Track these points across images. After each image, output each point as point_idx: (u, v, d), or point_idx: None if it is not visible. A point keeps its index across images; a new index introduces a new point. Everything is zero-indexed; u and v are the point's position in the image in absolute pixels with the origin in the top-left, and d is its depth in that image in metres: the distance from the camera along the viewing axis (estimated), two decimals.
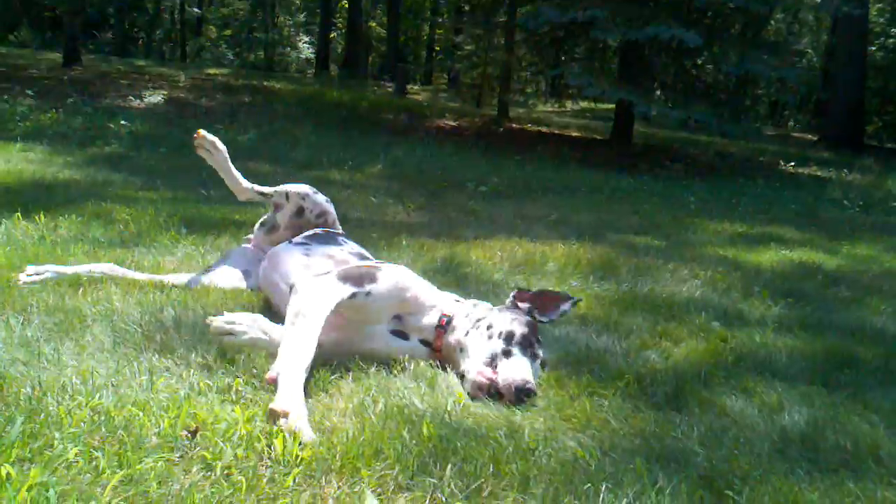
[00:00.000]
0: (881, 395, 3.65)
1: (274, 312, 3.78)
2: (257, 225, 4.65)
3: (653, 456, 2.80)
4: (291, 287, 3.38)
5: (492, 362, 3.21)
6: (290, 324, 3.14)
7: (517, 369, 3.15)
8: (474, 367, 3.21)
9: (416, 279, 3.66)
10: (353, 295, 3.33)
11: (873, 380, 3.89)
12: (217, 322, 3.30)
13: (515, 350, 3.24)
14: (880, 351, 4.36)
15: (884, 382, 3.87)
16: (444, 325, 3.48)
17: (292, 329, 3.11)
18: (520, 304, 3.58)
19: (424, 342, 3.50)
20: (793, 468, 2.82)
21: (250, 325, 3.32)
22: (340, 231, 4.52)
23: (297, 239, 4.15)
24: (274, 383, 2.89)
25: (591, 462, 2.69)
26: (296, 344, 3.03)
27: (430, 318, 3.52)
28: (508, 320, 3.36)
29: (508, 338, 3.28)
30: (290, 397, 2.75)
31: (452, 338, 3.42)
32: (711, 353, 4.03)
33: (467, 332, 3.38)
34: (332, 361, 3.31)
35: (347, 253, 4.00)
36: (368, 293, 3.37)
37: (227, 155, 4.53)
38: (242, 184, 4.55)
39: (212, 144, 4.45)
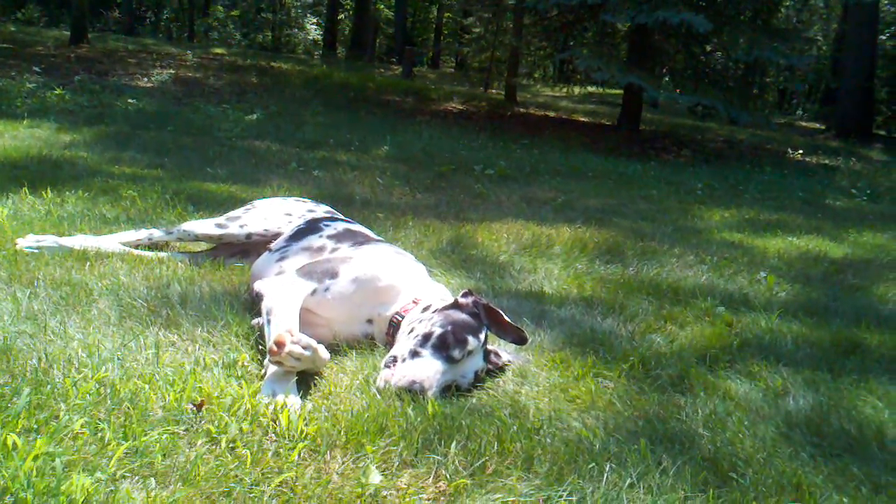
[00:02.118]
0: (887, 381, 3.65)
1: None
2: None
3: (657, 437, 2.81)
4: (256, 294, 3.37)
5: (394, 361, 3.04)
6: (266, 323, 3.08)
7: (410, 369, 2.95)
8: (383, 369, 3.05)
9: (393, 268, 3.55)
10: (314, 291, 3.30)
11: (878, 366, 3.89)
12: (269, 297, 3.17)
13: (426, 351, 3.05)
14: (886, 338, 4.35)
15: (889, 369, 3.86)
16: (396, 323, 3.36)
17: (272, 320, 3.05)
18: (461, 302, 3.31)
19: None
20: (797, 452, 2.83)
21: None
22: (331, 215, 4.40)
23: (278, 243, 4.02)
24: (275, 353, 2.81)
25: (595, 442, 2.69)
26: (284, 321, 3.01)
27: (391, 313, 3.41)
28: (430, 324, 3.17)
29: (425, 339, 3.09)
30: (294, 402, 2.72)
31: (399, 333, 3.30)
32: (716, 338, 4.03)
33: (404, 331, 3.26)
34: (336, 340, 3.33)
35: (326, 238, 3.87)
36: (327, 289, 3.33)
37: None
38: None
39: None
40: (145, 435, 2.34)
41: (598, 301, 4.51)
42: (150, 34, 40.88)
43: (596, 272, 5.23)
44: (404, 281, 3.50)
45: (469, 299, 3.31)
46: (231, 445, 2.37)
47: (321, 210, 4.48)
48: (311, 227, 4.06)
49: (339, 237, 3.91)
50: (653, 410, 3.03)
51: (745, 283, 5.40)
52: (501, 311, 3.34)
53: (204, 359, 2.96)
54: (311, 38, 46.74)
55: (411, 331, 3.19)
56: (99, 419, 2.40)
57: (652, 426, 2.90)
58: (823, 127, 27.35)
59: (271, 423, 2.52)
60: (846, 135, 22.77)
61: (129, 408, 2.48)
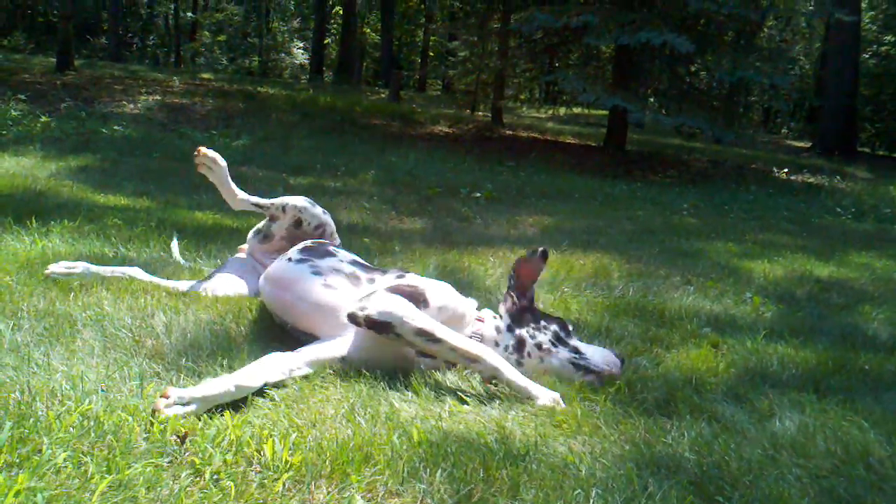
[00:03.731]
0: (872, 401, 3.66)
1: (278, 325, 3.77)
2: (251, 233, 4.61)
3: (643, 462, 2.80)
4: (364, 319, 3.29)
5: (582, 368, 3.53)
6: (430, 342, 3.27)
7: (601, 357, 3.60)
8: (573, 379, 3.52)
9: (454, 295, 3.68)
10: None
11: (864, 386, 3.90)
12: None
13: (573, 342, 3.66)
14: (871, 357, 4.37)
15: (875, 388, 3.88)
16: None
17: (447, 338, 3.27)
18: (516, 292, 3.83)
19: None
20: (783, 474, 2.82)
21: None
22: (337, 241, 4.45)
23: (294, 255, 3.92)
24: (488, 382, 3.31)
25: (582, 468, 2.69)
26: (467, 344, 3.31)
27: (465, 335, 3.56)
28: (542, 329, 3.66)
29: (559, 340, 3.64)
30: (543, 391, 3.24)
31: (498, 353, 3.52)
32: (702, 359, 4.04)
33: (520, 362, 3.56)
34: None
35: (348, 264, 3.84)
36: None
37: (227, 169, 4.50)
38: (238, 196, 4.49)
39: (213, 161, 4.46)
40: (129, 468, 2.32)
41: (584, 324, 4.51)
42: (136, 60, 40.99)
43: (582, 295, 5.24)
44: (467, 307, 3.70)
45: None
46: (215, 477, 2.35)
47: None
48: (323, 249, 4.00)
49: (357, 265, 3.86)
50: (639, 434, 3.03)
51: (731, 304, 5.42)
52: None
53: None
54: (297, 62, 46.93)
55: (539, 346, 3.60)
56: (82, 452, 2.38)
57: (638, 450, 2.90)
58: (808, 145, 27.56)
59: (255, 453, 2.50)
60: (830, 153, 22.98)
61: (112, 440, 2.46)
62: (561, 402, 3.22)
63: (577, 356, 3.57)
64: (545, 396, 3.22)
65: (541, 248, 3.90)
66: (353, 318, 3.32)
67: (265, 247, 4.46)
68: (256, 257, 4.49)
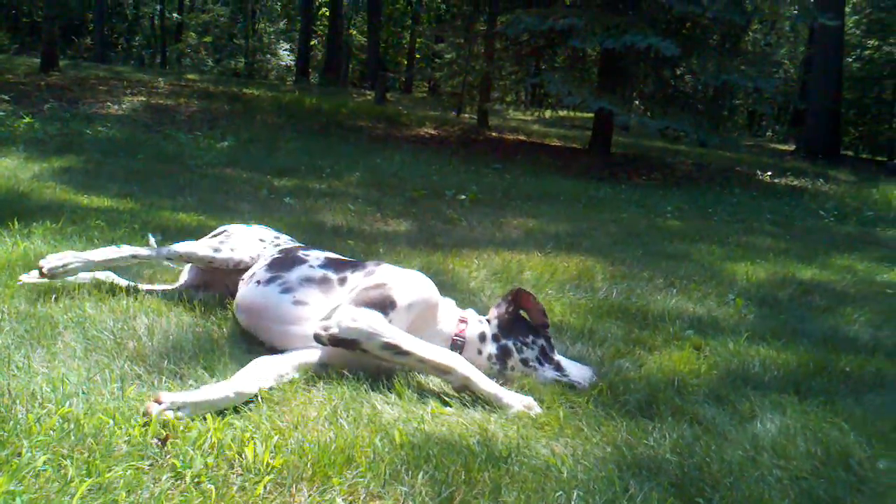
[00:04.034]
0: (853, 403, 3.68)
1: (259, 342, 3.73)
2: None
3: (625, 463, 2.82)
4: (335, 339, 3.26)
5: (561, 376, 3.57)
6: (399, 355, 3.23)
7: (578, 371, 3.63)
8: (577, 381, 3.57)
9: (425, 288, 3.64)
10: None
11: (845, 387, 3.93)
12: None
13: (556, 356, 3.68)
14: (852, 359, 4.39)
15: (855, 390, 3.91)
16: (460, 344, 3.61)
17: (414, 350, 3.23)
18: (511, 309, 3.78)
19: None
20: (764, 475, 2.84)
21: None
22: (297, 244, 4.39)
23: (262, 275, 3.81)
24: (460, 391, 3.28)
25: (564, 469, 2.70)
26: (437, 355, 3.27)
27: (440, 338, 3.59)
28: (529, 343, 3.67)
29: (545, 356, 3.66)
30: (515, 398, 3.23)
31: (484, 364, 3.60)
32: (685, 362, 4.05)
33: (503, 373, 3.60)
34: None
35: (319, 268, 3.78)
36: (391, 320, 3.37)
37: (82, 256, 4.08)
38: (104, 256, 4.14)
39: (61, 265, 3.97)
40: (109, 471, 2.31)
41: (568, 326, 4.53)
42: (122, 61, 40.83)
43: (566, 297, 5.25)
44: (440, 299, 3.72)
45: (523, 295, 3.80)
46: (196, 480, 2.35)
47: (284, 237, 4.46)
48: (292, 257, 3.92)
49: (328, 265, 3.83)
50: (621, 436, 3.05)
51: (714, 306, 5.44)
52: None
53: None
54: (284, 63, 46.85)
55: (525, 362, 3.62)
56: (62, 455, 2.38)
57: (620, 452, 2.91)
58: (792, 148, 27.71)
59: (237, 456, 2.50)
60: (814, 156, 23.09)
61: (92, 443, 2.46)
62: (535, 406, 3.22)
63: (560, 374, 3.58)
64: (518, 403, 3.21)
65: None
66: (318, 338, 3.31)
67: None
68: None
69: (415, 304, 3.50)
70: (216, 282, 4.33)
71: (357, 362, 3.37)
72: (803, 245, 8.94)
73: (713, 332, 4.76)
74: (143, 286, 4.34)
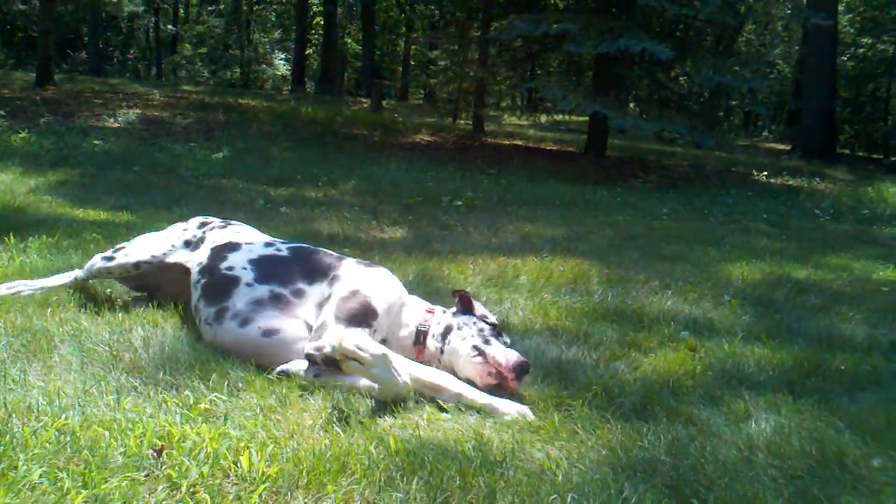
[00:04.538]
0: (847, 401, 3.70)
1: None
2: None
3: (620, 466, 2.83)
4: (323, 360, 3.32)
5: (478, 353, 3.53)
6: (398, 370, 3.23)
7: (504, 351, 3.55)
8: (469, 363, 3.54)
9: (393, 287, 3.79)
10: (371, 333, 3.48)
11: (839, 386, 3.94)
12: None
13: (492, 338, 3.64)
14: (847, 357, 4.41)
15: (850, 388, 3.92)
16: (422, 342, 3.72)
17: (411, 370, 3.31)
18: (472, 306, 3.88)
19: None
20: (758, 475, 2.85)
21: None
22: (202, 229, 4.29)
23: (207, 312, 3.69)
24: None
25: (559, 473, 2.71)
26: (429, 375, 3.35)
27: (408, 331, 3.74)
28: (473, 324, 3.70)
29: (480, 332, 3.66)
30: (509, 405, 3.24)
31: (433, 347, 3.69)
32: (680, 363, 4.07)
33: (442, 350, 3.66)
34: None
35: (258, 284, 3.68)
36: (375, 330, 3.52)
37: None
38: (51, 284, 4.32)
39: None
40: (105, 483, 2.33)
41: (563, 330, 4.54)
42: (117, 74, 40.88)
43: (561, 301, 5.26)
44: (407, 296, 3.87)
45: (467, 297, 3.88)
46: (192, 490, 2.36)
47: (192, 225, 4.37)
48: (217, 278, 3.77)
49: (266, 278, 3.73)
50: (616, 439, 3.06)
51: (710, 307, 5.45)
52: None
53: (166, 402, 2.95)
54: (279, 73, 46.89)
55: (459, 328, 3.66)
56: (58, 468, 2.39)
57: (615, 455, 2.92)
58: (788, 148, 27.74)
59: (232, 465, 2.51)
60: (810, 155, 23.12)
61: (88, 455, 2.47)
62: (528, 413, 3.22)
63: (484, 344, 3.58)
64: (512, 410, 3.22)
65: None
66: (311, 358, 3.35)
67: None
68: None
69: (392, 306, 3.68)
70: (155, 286, 4.32)
71: None
72: (799, 244, 8.95)
73: (708, 333, 4.78)
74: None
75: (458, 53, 21.94)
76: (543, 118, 27.06)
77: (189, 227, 4.34)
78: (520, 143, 21.80)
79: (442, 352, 3.65)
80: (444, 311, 3.85)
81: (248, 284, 3.70)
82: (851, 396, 3.79)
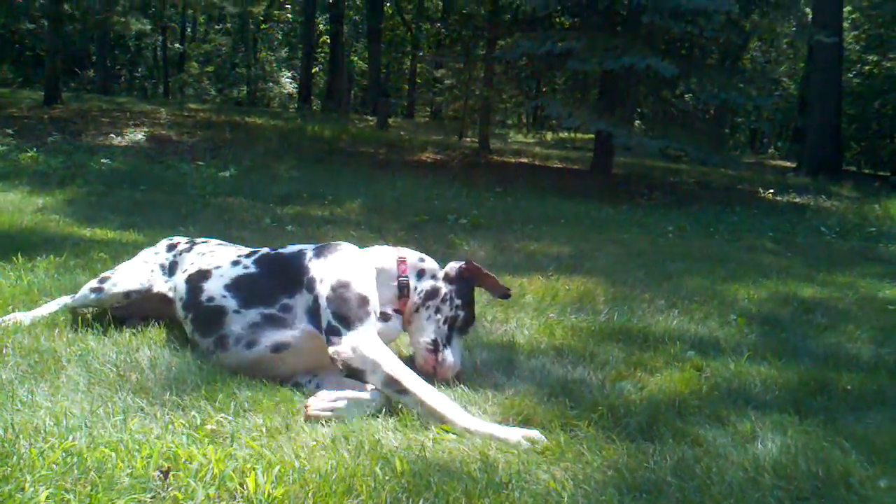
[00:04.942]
0: (853, 421, 3.69)
1: None
2: None
3: (626, 487, 2.82)
4: (343, 365, 3.42)
5: (435, 348, 3.77)
6: (399, 394, 3.31)
7: (453, 360, 3.77)
8: (421, 350, 3.81)
9: (365, 260, 3.92)
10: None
11: (846, 406, 3.93)
12: (315, 410, 3.20)
13: (455, 336, 3.84)
14: (853, 377, 4.39)
15: (856, 408, 3.91)
16: (406, 294, 3.90)
17: (416, 392, 3.30)
18: (464, 276, 4.02)
19: (396, 311, 3.89)
20: (765, 497, 2.85)
21: (348, 403, 3.27)
22: (170, 252, 4.41)
23: (207, 344, 3.77)
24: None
25: (564, 495, 2.71)
26: (437, 401, 3.29)
27: (391, 291, 3.90)
28: (454, 305, 3.89)
29: (451, 324, 3.85)
30: (514, 431, 3.17)
31: (414, 300, 3.90)
32: (686, 383, 4.06)
33: (417, 309, 3.88)
34: (304, 391, 3.35)
35: (245, 309, 3.75)
36: (374, 311, 3.65)
37: None
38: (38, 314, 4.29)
39: None
40: None
41: (569, 349, 4.54)
42: (125, 92, 41.08)
43: (567, 320, 5.26)
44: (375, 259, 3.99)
45: (462, 266, 4.03)
46: None
47: (163, 250, 4.46)
48: (205, 310, 3.85)
49: (250, 300, 3.78)
50: (622, 460, 3.05)
51: (716, 326, 5.45)
52: (488, 272, 4.11)
53: (173, 423, 2.96)
54: (286, 91, 47.11)
55: (437, 311, 3.85)
56: (65, 489, 2.40)
57: (621, 476, 2.92)
58: (794, 165, 27.75)
59: (239, 487, 2.52)
60: (816, 172, 23.12)
61: (95, 477, 2.47)
62: (538, 436, 3.18)
63: (443, 344, 3.81)
64: (516, 435, 3.16)
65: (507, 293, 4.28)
66: (335, 361, 3.47)
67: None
68: None
69: (373, 280, 3.79)
70: (141, 313, 4.35)
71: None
72: (805, 262, 8.94)
73: (714, 352, 4.77)
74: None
75: (464, 72, 22.02)
76: (549, 136, 27.09)
77: (160, 251, 4.45)
78: (525, 160, 21.85)
79: (417, 310, 3.87)
80: (422, 259, 4.06)
81: (236, 311, 3.76)
82: (857, 416, 3.78)
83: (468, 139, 24.98)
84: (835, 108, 25.40)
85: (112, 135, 17.42)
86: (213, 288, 3.89)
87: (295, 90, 44.21)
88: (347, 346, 3.40)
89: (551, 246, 8.69)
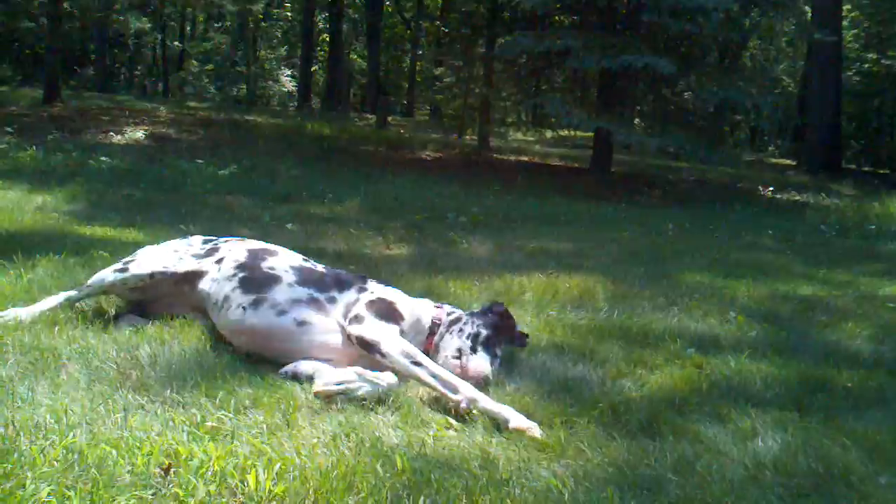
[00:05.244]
0: (853, 419, 3.69)
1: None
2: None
3: (626, 484, 2.83)
4: (364, 342, 3.67)
5: (459, 355, 3.78)
6: (414, 365, 3.53)
7: (479, 363, 3.72)
8: (449, 360, 3.79)
9: (408, 301, 4.09)
10: (400, 332, 3.78)
11: (846, 403, 3.93)
12: (323, 388, 3.35)
13: (479, 348, 3.81)
14: (854, 374, 4.40)
15: (856, 406, 3.91)
16: (434, 332, 4.01)
17: (428, 365, 3.55)
18: (494, 310, 4.12)
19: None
20: (765, 494, 2.86)
21: (359, 377, 3.40)
22: (216, 242, 4.50)
23: (243, 299, 3.90)
24: (466, 412, 3.34)
25: (565, 492, 2.71)
26: (448, 374, 3.52)
27: (425, 327, 4.03)
28: (476, 325, 3.93)
29: (475, 338, 3.85)
30: (515, 416, 3.27)
31: (436, 338, 3.98)
32: (686, 380, 4.07)
33: (442, 336, 3.96)
34: (307, 393, 3.35)
35: (299, 287, 3.97)
36: (403, 331, 3.82)
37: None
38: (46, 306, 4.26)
39: None
40: (112, 501, 2.34)
41: (569, 347, 4.54)
42: (124, 90, 41.05)
43: (567, 318, 5.26)
44: (422, 305, 4.17)
45: (501, 308, 4.14)
46: None
47: (197, 241, 4.56)
48: (260, 275, 4.03)
49: (307, 283, 4.02)
50: (622, 457, 3.06)
51: (716, 324, 5.45)
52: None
53: (173, 420, 2.96)
54: (285, 90, 47.08)
55: (460, 331, 3.92)
56: (66, 486, 2.40)
57: (621, 473, 2.92)
58: (794, 163, 27.75)
59: (239, 484, 2.52)
60: (815, 171, 23.12)
61: (96, 474, 2.47)
62: (535, 430, 3.23)
63: (469, 351, 3.82)
64: (518, 419, 3.27)
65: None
66: (348, 337, 3.73)
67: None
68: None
69: (412, 311, 3.98)
70: (153, 298, 4.38)
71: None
72: (804, 260, 8.94)
73: (714, 350, 4.77)
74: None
75: (464, 70, 22.00)
76: (549, 134, 27.06)
77: (194, 243, 4.53)
78: (525, 159, 21.85)
79: (441, 338, 3.95)
80: (455, 310, 4.19)
81: (290, 285, 3.98)
82: (857, 414, 3.79)
83: (467, 137, 24.96)
84: (834, 106, 25.41)
85: (112, 133, 17.39)
86: (278, 263, 4.15)
87: (294, 88, 44.16)
88: (369, 326, 3.70)
89: (551, 244, 8.69)
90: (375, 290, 4.05)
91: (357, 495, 2.52)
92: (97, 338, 3.86)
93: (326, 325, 3.84)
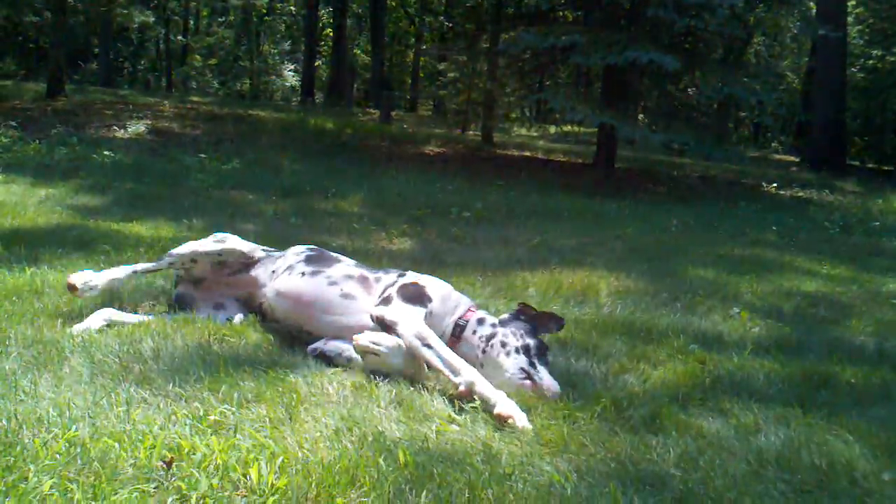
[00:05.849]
0: (857, 415, 3.68)
1: (294, 337, 4.05)
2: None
3: (628, 479, 2.83)
4: (382, 321, 3.84)
5: (527, 376, 3.68)
6: (425, 347, 3.64)
7: (551, 383, 3.65)
8: (515, 381, 3.69)
9: (450, 288, 4.22)
10: (425, 315, 3.88)
11: (849, 399, 3.93)
12: (362, 340, 3.64)
13: (537, 361, 3.76)
14: (857, 370, 4.40)
15: (859, 402, 3.91)
16: (457, 335, 3.99)
17: (438, 348, 3.65)
18: (522, 317, 4.05)
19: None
20: (768, 489, 2.85)
21: (392, 348, 3.66)
22: (271, 250, 4.76)
23: (305, 268, 4.29)
24: (467, 395, 3.42)
25: (567, 486, 2.71)
26: (454, 358, 3.60)
27: (451, 320, 4.04)
28: (518, 336, 3.87)
29: (526, 351, 3.79)
30: (504, 402, 3.30)
31: (474, 344, 3.93)
32: (689, 376, 4.06)
33: (484, 350, 3.87)
34: (310, 386, 3.34)
35: (354, 267, 4.35)
36: (431, 312, 3.93)
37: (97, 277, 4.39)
38: (121, 274, 4.50)
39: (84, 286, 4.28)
40: (115, 494, 2.34)
41: (572, 342, 4.54)
42: (128, 85, 41.04)
43: (570, 313, 5.25)
44: (461, 298, 4.21)
45: (531, 310, 4.12)
46: (201, 502, 2.37)
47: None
48: (326, 256, 4.48)
49: (361, 265, 4.42)
50: (625, 452, 3.05)
51: (719, 320, 5.44)
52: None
53: (175, 414, 2.96)
54: (288, 84, 47.02)
55: (503, 345, 3.83)
56: (68, 479, 2.40)
57: (624, 468, 2.92)
58: (798, 160, 27.69)
59: (242, 477, 2.52)
60: (819, 167, 23.07)
61: (98, 467, 2.48)
62: (520, 419, 3.25)
63: (531, 368, 3.72)
64: (503, 406, 3.30)
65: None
66: (371, 317, 3.92)
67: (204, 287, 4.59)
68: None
69: (445, 297, 4.07)
70: (209, 291, 4.52)
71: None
72: (808, 257, 8.92)
73: (718, 345, 4.77)
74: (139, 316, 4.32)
75: (468, 65, 21.97)
76: (552, 129, 27.04)
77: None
78: (529, 154, 21.82)
79: (483, 352, 3.87)
80: (486, 314, 4.13)
81: (347, 265, 4.36)
82: (861, 410, 3.78)
83: (471, 133, 24.93)
84: (838, 103, 25.35)
85: (115, 127, 17.37)
86: (342, 257, 4.53)
87: (298, 83, 44.09)
88: (393, 308, 3.85)
89: (554, 239, 8.68)
90: (414, 275, 4.23)
91: (359, 489, 2.52)
92: (100, 332, 3.86)
93: (366, 304, 4.05)
